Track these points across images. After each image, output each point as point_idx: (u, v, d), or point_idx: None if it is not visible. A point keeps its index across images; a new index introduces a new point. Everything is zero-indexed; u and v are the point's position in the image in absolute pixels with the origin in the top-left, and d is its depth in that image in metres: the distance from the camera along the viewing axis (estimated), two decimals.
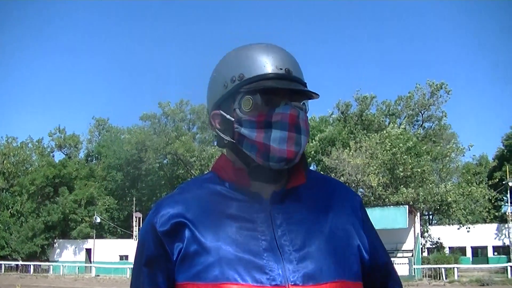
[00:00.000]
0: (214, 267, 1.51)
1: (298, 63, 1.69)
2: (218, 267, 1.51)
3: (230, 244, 1.54)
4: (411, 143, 48.11)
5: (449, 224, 55.68)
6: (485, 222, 61.36)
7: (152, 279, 1.62)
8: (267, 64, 1.61)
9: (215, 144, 1.72)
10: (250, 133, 1.59)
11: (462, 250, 60.31)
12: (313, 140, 62.01)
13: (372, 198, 49.68)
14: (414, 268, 39.69)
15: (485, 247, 62.35)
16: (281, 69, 1.61)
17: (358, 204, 1.78)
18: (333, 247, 1.61)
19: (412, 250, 41.74)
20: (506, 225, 59.64)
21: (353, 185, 50.70)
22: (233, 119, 1.63)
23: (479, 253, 63.17)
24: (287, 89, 1.59)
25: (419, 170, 46.85)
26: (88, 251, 68.22)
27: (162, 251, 1.59)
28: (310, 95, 1.65)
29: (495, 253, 61.50)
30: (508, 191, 59.48)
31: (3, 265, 63.28)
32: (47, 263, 64.76)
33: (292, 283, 1.51)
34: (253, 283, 1.50)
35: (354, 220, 1.72)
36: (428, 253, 53.20)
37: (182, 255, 1.57)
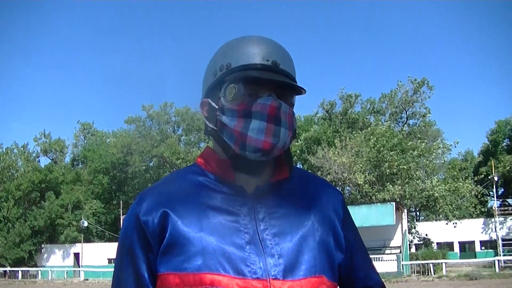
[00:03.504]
0: (196, 257, 1.53)
1: (290, 57, 1.70)
2: (201, 258, 1.53)
3: (213, 235, 1.56)
4: (396, 140, 48.21)
5: (436, 220, 55.95)
6: (472, 217, 61.51)
7: (135, 269, 1.62)
8: (254, 55, 1.62)
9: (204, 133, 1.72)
10: (230, 121, 1.60)
11: (450, 246, 60.51)
12: (299, 140, 62.08)
13: (358, 196, 49.79)
14: (402, 265, 39.78)
15: (473, 242, 62.51)
16: (267, 60, 1.62)
17: (340, 202, 1.80)
18: (313, 243, 1.63)
19: (400, 247, 41.82)
20: (493, 220, 59.85)
21: (340, 183, 50.82)
22: (217, 107, 1.65)
23: (466, 248, 63.30)
24: (272, 81, 1.59)
25: (404, 167, 46.95)
26: (76, 255, 67.81)
27: (145, 241, 1.61)
28: (297, 90, 1.65)
29: (483, 248, 61.67)
30: (494, 186, 59.74)
31: None
32: (35, 269, 64.19)
33: (273, 277, 1.53)
34: (235, 274, 1.52)
35: (334, 218, 1.74)
36: (416, 249, 53.36)
37: (164, 246, 1.58)
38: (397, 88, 62.33)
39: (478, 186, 52.75)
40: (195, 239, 1.55)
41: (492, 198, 65.85)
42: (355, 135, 52.68)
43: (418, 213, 69.33)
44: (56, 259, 69.32)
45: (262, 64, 1.61)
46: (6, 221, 70.01)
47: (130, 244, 1.64)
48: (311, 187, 1.78)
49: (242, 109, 1.58)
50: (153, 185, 1.75)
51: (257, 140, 1.55)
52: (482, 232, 62.01)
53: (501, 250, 54.65)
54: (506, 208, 62.37)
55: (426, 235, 53.71)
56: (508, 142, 71.74)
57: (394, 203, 40.54)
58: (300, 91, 1.65)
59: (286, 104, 1.60)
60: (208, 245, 1.54)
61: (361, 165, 47.86)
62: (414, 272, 40.98)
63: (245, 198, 1.63)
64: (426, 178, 49.75)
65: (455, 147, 57.85)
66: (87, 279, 56.46)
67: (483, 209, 65.56)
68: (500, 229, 57.56)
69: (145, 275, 1.61)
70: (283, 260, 1.56)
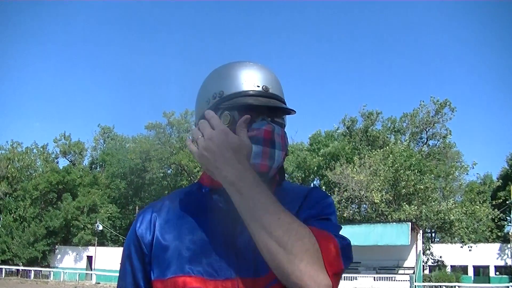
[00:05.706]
0: (173, 263, 1.63)
1: (277, 80, 1.78)
2: (176, 262, 1.62)
3: (188, 240, 1.65)
4: (413, 159, 48.06)
5: (451, 243, 55.53)
6: (488, 241, 61.10)
7: (134, 280, 1.73)
8: (245, 82, 1.70)
9: None
10: None
11: (464, 269, 60.04)
12: (317, 155, 62.08)
13: (374, 214, 49.62)
14: (415, 286, 39.55)
15: (487, 267, 61.99)
16: (258, 86, 1.70)
17: (304, 194, 1.75)
18: None
19: (414, 268, 41.61)
20: (509, 245, 59.35)
21: (356, 201, 50.70)
22: None
23: (480, 272, 62.77)
24: (264, 106, 1.66)
25: (421, 187, 46.78)
26: (89, 258, 68.10)
27: (141, 252, 1.71)
28: (288, 111, 1.73)
29: (497, 273, 61.13)
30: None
31: (4, 269, 63.21)
32: (48, 269, 64.57)
33: (242, 277, 1.58)
34: (206, 276, 1.59)
35: (295, 210, 1.68)
36: (430, 271, 53.08)
37: (153, 255, 1.69)
38: (419, 108, 62.26)
39: (496, 210, 52.31)
40: (172, 246, 1.66)
41: (509, 223, 65.39)
42: (374, 153, 52.58)
43: (433, 234, 68.88)
44: (69, 260, 69.63)
45: (254, 90, 1.69)
46: (21, 220, 70.46)
47: (129, 255, 1.75)
48: (295, 195, 1.75)
49: None
50: (158, 199, 1.86)
51: (255, 164, 1.61)
52: (497, 257, 61.47)
53: None
54: None
55: (441, 257, 53.45)
56: None
57: (410, 223, 40.40)
58: (289, 112, 1.74)
59: (278, 126, 1.69)
60: (182, 250, 1.63)
61: (378, 183, 47.75)
62: None
63: (227, 203, 1.64)
64: (443, 200, 49.52)
65: (473, 168, 57.66)
66: (99, 283, 56.64)
67: (499, 234, 65.05)
68: None
69: (141, 285, 1.72)
70: (254, 262, 1.59)
